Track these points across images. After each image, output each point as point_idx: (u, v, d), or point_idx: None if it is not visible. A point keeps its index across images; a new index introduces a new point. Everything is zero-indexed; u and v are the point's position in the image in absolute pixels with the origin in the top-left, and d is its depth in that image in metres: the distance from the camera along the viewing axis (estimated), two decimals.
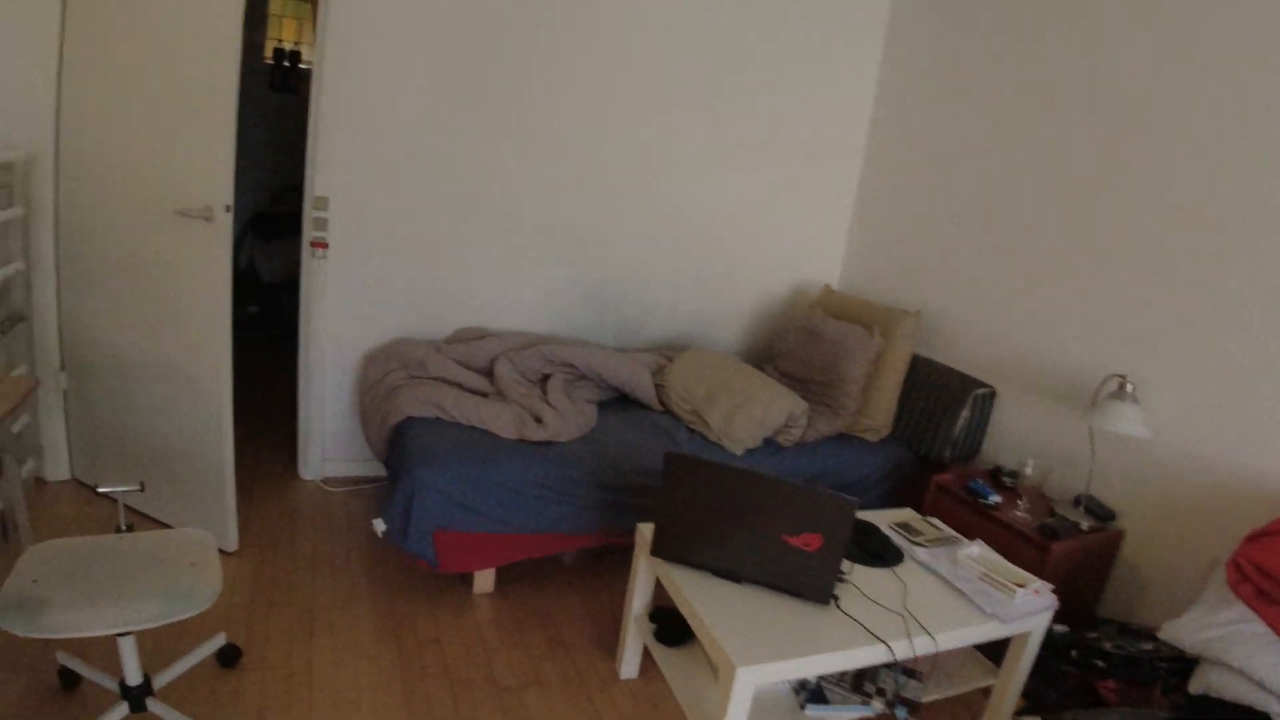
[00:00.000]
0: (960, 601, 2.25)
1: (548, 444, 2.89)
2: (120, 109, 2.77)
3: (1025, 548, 2.62)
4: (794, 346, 3.70)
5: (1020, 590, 2.25)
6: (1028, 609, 2.23)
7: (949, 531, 2.66)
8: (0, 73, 2.80)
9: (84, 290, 3.01)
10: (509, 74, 3.41)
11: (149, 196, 2.74)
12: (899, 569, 2.40)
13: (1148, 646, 2.28)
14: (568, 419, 2.99)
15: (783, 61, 3.83)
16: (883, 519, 2.70)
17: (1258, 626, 1.98)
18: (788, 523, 2.08)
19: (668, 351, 3.75)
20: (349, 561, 3.00)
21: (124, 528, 2.14)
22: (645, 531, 2.38)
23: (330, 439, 3.58)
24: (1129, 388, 2.59)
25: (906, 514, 2.79)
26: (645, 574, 2.47)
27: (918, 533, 2.63)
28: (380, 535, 2.65)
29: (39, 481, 3.19)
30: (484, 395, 3.16)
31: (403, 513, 2.61)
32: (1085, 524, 2.66)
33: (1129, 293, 2.79)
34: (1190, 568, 2.54)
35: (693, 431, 3.22)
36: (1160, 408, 2.65)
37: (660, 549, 2.22)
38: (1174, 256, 2.65)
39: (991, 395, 3.27)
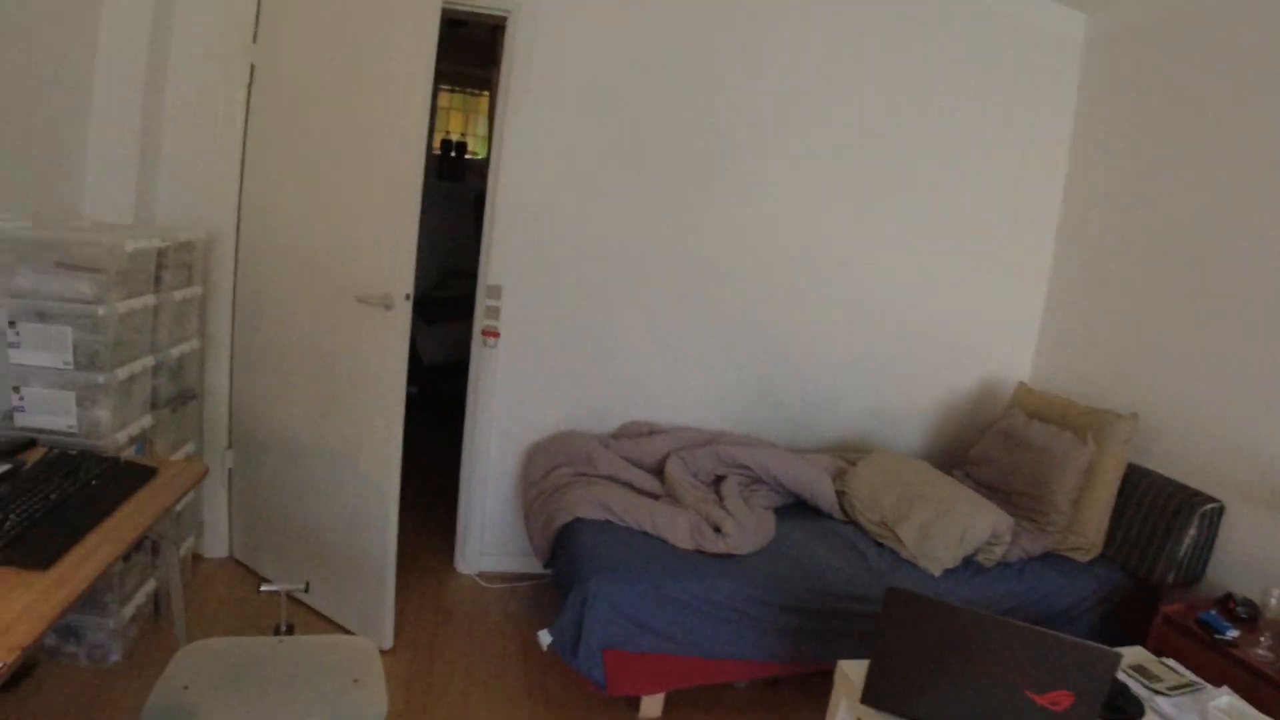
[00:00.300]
0: None
1: (726, 556, 2.64)
2: (301, 195, 2.80)
3: (1269, 692, 2.21)
4: (991, 452, 3.33)
5: None
6: None
7: (1190, 676, 2.23)
8: (184, 154, 2.89)
9: (256, 370, 3.00)
10: (679, 167, 3.34)
11: (327, 281, 2.72)
12: None
13: None
14: (747, 529, 2.73)
15: (966, 141, 3.59)
16: None
17: None
18: (1034, 677, 1.75)
19: (847, 454, 3.44)
20: (504, 669, 2.79)
21: (284, 629, 2.03)
22: (848, 671, 2.06)
23: (489, 532, 3.45)
24: None
25: (1138, 653, 2.37)
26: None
27: (1155, 678, 2.22)
28: (545, 649, 2.44)
29: (196, 558, 3.16)
30: (655, 497, 2.95)
31: (574, 627, 2.39)
32: None
33: None
34: None
35: (882, 546, 2.90)
36: None
37: (874, 696, 1.90)
38: None
39: (1220, 511, 2.82)
